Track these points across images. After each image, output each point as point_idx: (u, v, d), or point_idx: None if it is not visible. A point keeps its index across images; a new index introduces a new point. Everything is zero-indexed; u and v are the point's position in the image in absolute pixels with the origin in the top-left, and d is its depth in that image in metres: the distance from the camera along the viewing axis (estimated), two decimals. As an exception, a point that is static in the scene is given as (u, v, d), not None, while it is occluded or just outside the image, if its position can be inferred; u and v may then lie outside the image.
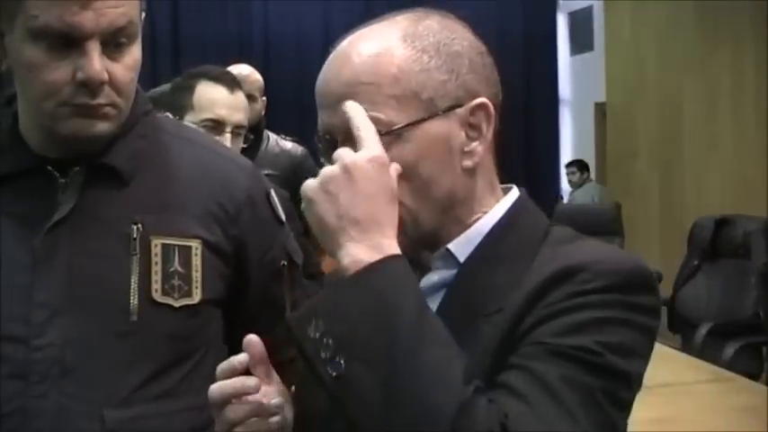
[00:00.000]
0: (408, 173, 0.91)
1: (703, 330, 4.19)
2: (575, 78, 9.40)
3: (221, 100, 2.16)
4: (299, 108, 6.55)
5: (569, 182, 8.55)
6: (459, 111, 0.94)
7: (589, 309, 0.85)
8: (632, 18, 7.63)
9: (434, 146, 0.93)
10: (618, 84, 7.92)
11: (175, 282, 1.22)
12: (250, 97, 2.76)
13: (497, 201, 0.99)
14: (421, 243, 0.96)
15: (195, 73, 2.22)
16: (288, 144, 3.42)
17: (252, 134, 2.47)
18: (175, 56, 8.14)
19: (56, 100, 1.14)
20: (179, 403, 1.23)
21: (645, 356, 0.89)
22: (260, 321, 1.25)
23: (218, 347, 1.31)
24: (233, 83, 2.22)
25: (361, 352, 0.81)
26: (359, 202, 0.86)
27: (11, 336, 1.16)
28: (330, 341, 0.83)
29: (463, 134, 0.94)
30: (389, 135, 0.91)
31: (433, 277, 0.97)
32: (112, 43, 1.14)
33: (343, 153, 0.88)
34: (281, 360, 1.04)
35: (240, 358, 0.96)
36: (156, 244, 1.22)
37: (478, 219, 0.97)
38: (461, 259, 0.96)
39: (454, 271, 0.96)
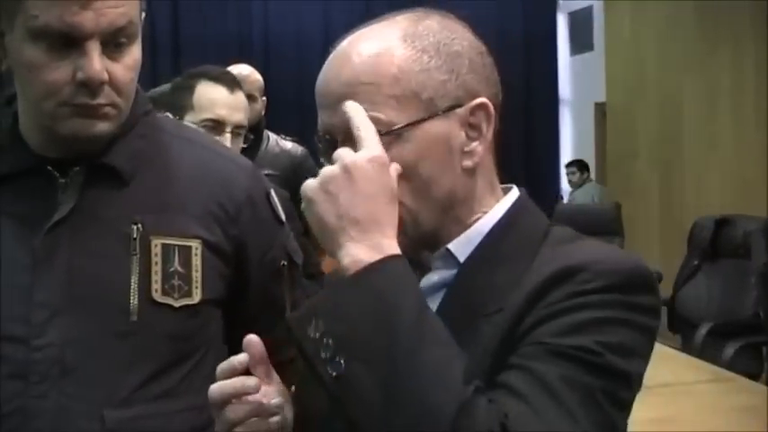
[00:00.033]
0: (408, 173, 0.91)
1: (703, 330, 4.19)
2: (575, 78, 9.39)
3: (221, 100, 2.16)
4: (299, 108, 6.55)
5: (569, 182, 8.55)
6: (459, 111, 0.94)
7: (589, 309, 0.85)
8: (632, 18, 7.63)
9: (434, 146, 0.93)
10: (618, 84, 7.92)
11: (175, 282, 1.22)
12: (250, 97, 2.75)
13: (497, 201, 0.99)
14: (421, 243, 0.96)
15: (195, 73, 2.22)
16: (288, 144, 3.42)
17: (252, 134, 2.47)
18: (175, 56, 8.14)
19: (56, 100, 1.14)
20: (179, 403, 1.23)
21: (645, 356, 0.89)
22: (260, 321, 1.25)
23: (218, 347, 1.31)
24: (233, 83, 2.22)
25: (361, 352, 0.81)
26: (359, 202, 0.86)
27: (11, 336, 1.16)
28: (330, 341, 0.83)
29: (463, 134, 0.94)
30: (389, 135, 0.91)
31: (432, 277, 0.97)
32: (112, 43, 1.14)
33: (343, 153, 0.88)
34: (281, 360, 1.04)
35: (240, 358, 0.96)
36: (156, 244, 1.22)
37: (478, 219, 0.97)
38: (461, 259, 0.96)
39: (454, 271, 0.96)
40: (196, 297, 1.24)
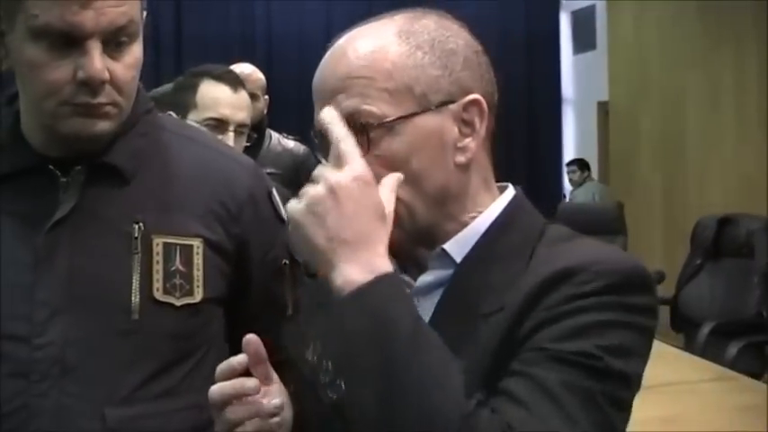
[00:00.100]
0: (401, 166, 0.92)
1: (706, 329, 4.18)
2: (577, 77, 9.39)
3: (224, 99, 2.16)
4: (301, 108, 6.54)
5: (570, 180, 8.54)
6: (451, 106, 0.94)
7: (589, 312, 0.85)
8: (635, 17, 7.63)
9: (427, 140, 0.93)
10: (620, 83, 7.92)
11: (177, 281, 1.22)
12: (252, 96, 2.75)
13: (493, 199, 0.99)
14: (417, 238, 0.96)
15: (198, 72, 2.22)
16: (290, 143, 3.42)
17: (254, 133, 2.47)
18: (178, 56, 8.15)
19: (57, 99, 1.14)
20: (180, 402, 1.22)
21: (643, 356, 0.89)
22: (261, 320, 1.25)
23: (220, 346, 1.30)
24: (236, 82, 2.22)
25: (360, 371, 0.82)
26: (346, 224, 0.86)
27: (12, 334, 1.16)
28: (329, 363, 0.83)
29: (456, 130, 0.94)
30: (382, 127, 0.91)
31: (428, 277, 0.97)
32: (113, 42, 1.14)
33: (326, 173, 0.87)
34: (281, 360, 1.04)
35: (239, 359, 0.96)
36: (158, 243, 1.22)
37: (474, 218, 0.97)
38: (458, 259, 0.96)
39: (450, 271, 0.96)
40: (197, 296, 1.24)
